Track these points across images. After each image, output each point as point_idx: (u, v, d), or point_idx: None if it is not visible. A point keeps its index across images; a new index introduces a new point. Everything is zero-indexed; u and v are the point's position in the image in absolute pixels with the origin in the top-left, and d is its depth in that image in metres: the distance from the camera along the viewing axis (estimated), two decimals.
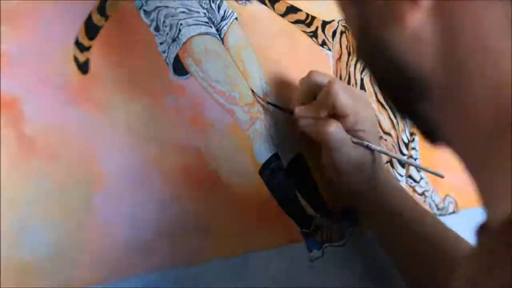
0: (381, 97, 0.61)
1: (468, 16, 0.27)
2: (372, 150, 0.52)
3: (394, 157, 0.55)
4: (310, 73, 0.53)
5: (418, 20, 0.28)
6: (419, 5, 0.28)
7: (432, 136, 0.34)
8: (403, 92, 0.32)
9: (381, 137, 0.62)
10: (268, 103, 0.54)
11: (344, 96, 0.50)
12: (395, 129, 0.63)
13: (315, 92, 0.52)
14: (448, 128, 0.31)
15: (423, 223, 0.54)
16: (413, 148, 0.66)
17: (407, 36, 0.29)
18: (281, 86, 0.57)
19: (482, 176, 0.30)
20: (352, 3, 0.32)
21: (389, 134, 0.63)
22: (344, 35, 0.60)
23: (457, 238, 0.53)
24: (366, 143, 0.52)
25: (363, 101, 0.53)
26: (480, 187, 0.30)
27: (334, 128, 0.50)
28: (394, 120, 0.63)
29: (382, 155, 0.55)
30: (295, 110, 0.52)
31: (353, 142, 0.51)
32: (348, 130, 0.51)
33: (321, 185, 0.56)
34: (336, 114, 0.51)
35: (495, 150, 0.28)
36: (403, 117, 0.36)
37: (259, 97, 0.53)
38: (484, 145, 0.28)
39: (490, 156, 0.28)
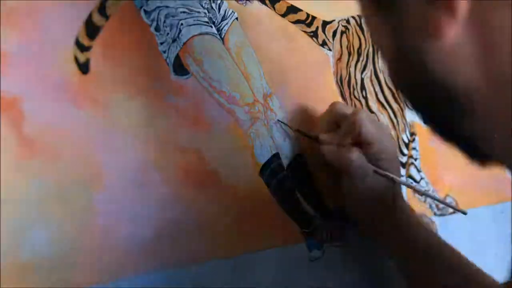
0: (381, 96, 0.62)
1: (505, 23, 0.27)
2: (393, 182, 0.52)
3: (414, 189, 0.56)
4: (334, 103, 0.54)
5: (455, 32, 0.28)
6: (455, 16, 0.27)
7: (479, 155, 0.33)
8: (444, 110, 0.31)
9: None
10: (296, 130, 0.54)
11: (369, 124, 0.51)
12: (395, 129, 0.63)
13: (338, 122, 0.53)
14: (494, 141, 0.30)
15: (445, 255, 0.53)
16: (414, 148, 0.66)
17: (445, 51, 0.29)
18: (305, 114, 0.57)
19: None
20: (386, 22, 0.32)
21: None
22: (344, 35, 0.60)
23: (482, 273, 0.53)
24: (386, 173, 0.52)
25: (386, 132, 0.54)
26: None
27: (357, 155, 0.51)
28: (395, 120, 0.63)
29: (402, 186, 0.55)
30: (319, 136, 0.52)
31: (374, 171, 0.51)
32: (370, 160, 0.51)
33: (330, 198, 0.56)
34: (359, 143, 0.51)
35: None
36: (447, 140, 0.35)
37: (285, 124, 0.54)
38: None
39: None
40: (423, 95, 0.33)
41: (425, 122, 0.36)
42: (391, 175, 0.52)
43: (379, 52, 0.35)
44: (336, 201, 0.57)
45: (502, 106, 0.28)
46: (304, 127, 0.56)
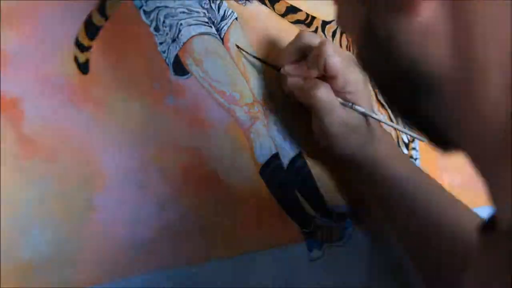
0: (381, 96, 0.61)
1: (485, 8, 0.26)
2: (364, 115, 0.52)
3: (379, 120, 0.54)
4: (300, 32, 0.52)
5: (430, 11, 0.27)
6: None
7: (440, 139, 0.32)
8: (410, 91, 0.30)
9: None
10: (256, 57, 0.53)
11: (336, 56, 0.49)
12: (395, 130, 0.63)
13: (304, 53, 0.52)
14: (459, 127, 0.30)
15: (432, 192, 0.53)
16: (413, 148, 0.66)
17: (418, 29, 0.27)
18: (270, 45, 0.56)
19: (495, 176, 0.28)
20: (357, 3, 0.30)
21: (389, 133, 0.61)
22: (344, 35, 0.60)
23: (470, 212, 0.52)
24: (351, 104, 0.51)
25: (353, 64, 0.52)
26: (491, 187, 0.29)
27: (324, 90, 0.50)
28: (394, 121, 0.63)
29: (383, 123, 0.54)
30: (284, 67, 0.51)
31: (340, 103, 0.50)
32: (337, 93, 0.51)
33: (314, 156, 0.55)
34: (325, 76, 0.50)
35: (509, 149, 0.26)
36: (408, 121, 0.34)
37: (246, 52, 0.52)
38: (498, 144, 0.27)
39: (504, 155, 0.27)
40: (390, 75, 0.31)
41: (391, 106, 0.35)
42: (352, 104, 0.51)
43: (346, 32, 0.34)
44: (329, 170, 0.56)
45: (470, 92, 0.27)
46: (270, 58, 0.55)
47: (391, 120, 0.62)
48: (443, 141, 0.32)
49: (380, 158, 0.53)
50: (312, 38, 0.51)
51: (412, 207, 0.52)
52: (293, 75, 0.52)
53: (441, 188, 0.54)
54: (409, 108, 0.32)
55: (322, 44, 0.50)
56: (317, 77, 0.51)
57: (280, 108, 0.55)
